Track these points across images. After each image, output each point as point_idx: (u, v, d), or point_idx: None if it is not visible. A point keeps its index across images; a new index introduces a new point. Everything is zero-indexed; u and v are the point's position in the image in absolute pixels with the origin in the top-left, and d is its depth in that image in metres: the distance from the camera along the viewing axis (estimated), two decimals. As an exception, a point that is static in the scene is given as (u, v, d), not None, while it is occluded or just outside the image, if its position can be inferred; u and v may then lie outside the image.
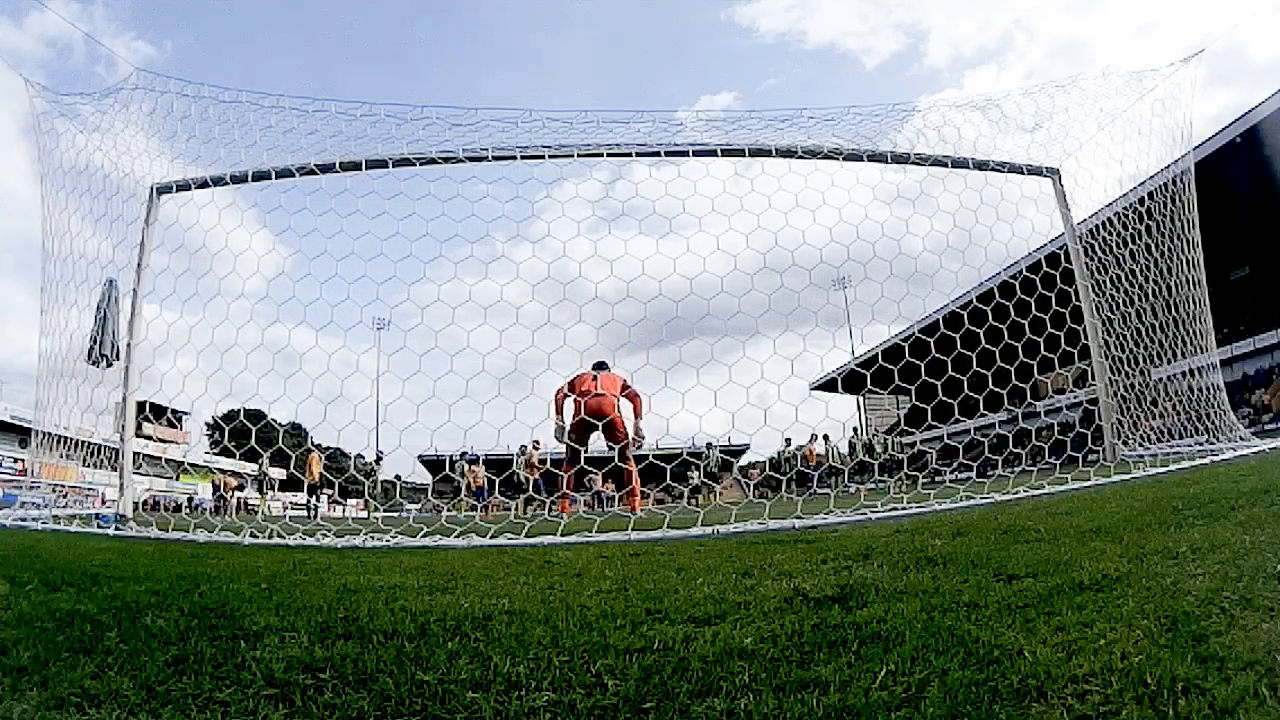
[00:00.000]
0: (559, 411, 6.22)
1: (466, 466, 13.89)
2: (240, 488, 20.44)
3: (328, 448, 13.47)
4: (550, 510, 6.71)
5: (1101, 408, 5.79)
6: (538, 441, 11.82)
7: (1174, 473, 4.10)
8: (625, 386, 6.33)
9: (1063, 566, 1.55)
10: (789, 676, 0.96)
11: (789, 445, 14.57)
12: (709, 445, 13.96)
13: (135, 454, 5.94)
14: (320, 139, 5.24)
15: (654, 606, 1.45)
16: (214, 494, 17.60)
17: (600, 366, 6.44)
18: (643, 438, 6.26)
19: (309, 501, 14.68)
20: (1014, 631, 1.09)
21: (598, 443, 6.48)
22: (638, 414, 6.27)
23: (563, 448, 6.31)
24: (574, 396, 6.17)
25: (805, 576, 1.73)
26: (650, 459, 6.05)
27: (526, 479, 12.13)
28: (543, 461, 11.27)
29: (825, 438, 13.82)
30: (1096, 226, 6.36)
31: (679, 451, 5.73)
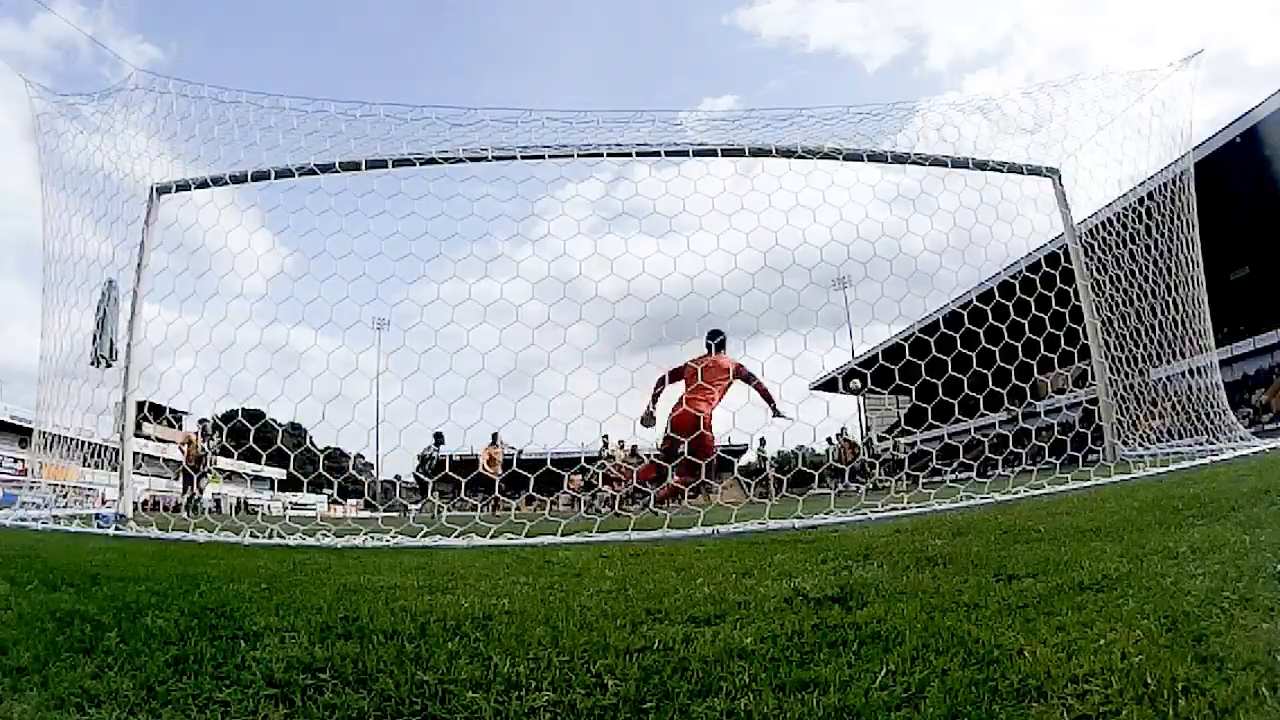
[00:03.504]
0: (654, 400, 5.41)
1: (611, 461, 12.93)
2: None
3: (328, 448, 13.41)
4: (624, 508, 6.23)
5: (1101, 408, 5.79)
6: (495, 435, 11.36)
7: (1174, 473, 4.10)
8: (740, 370, 5.43)
9: (1063, 566, 1.55)
10: (789, 676, 0.96)
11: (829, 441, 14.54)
12: (759, 442, 13.58)
13: (135, 454, 5.94)
14: (320, 139, 5.24)
15: (654, 606, 1.45)
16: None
17: (716, 339, 5.44)
18: (786, 418, 5.33)
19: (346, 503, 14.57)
20: (1014, 631, 1.09)
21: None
22: (769, 399, 5.42)
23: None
24: (678, 382, 5.30)
25: (805, 576, 1.73)
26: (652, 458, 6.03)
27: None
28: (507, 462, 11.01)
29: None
30: (1096, 226, 6.36)
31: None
